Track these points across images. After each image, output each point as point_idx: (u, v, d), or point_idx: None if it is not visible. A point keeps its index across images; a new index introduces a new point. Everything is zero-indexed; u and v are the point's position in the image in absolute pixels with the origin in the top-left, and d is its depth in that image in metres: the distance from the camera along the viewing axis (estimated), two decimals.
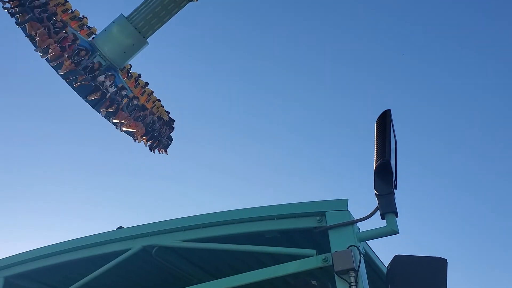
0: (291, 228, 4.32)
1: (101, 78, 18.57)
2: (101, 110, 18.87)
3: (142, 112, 19.60)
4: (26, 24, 17.72)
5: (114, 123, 19.63)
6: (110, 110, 18.92)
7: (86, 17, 20.30)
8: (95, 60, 19.17)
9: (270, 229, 4.41)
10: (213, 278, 5.11)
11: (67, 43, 17.92)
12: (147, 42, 21.17)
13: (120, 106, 18.91)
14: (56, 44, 17.59)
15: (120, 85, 19.32)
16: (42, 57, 17.88)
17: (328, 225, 4.06)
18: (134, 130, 19.70)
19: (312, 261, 3.99)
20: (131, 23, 20.69)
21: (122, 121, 19.18)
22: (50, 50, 17.66)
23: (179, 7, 21.12)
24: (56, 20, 18.08)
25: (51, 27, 17.66)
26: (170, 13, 21.16)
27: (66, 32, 18.11)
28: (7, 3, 17.71)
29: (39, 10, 17.78)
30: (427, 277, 3.60)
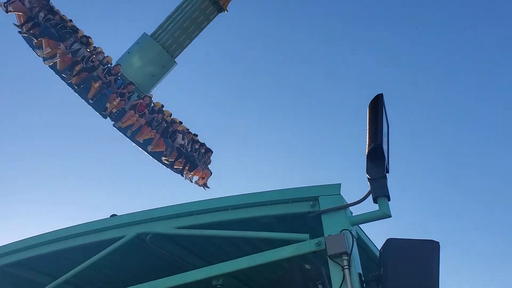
0: (285, 213, 4.36)
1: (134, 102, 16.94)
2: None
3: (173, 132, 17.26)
4: (43, 43, 15.79)
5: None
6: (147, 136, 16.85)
7: (90, 37, 17.25)
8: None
9: (264, 214, 4.45)
10: (208, 264, 5.14)
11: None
12: (175, 63, 19.31)
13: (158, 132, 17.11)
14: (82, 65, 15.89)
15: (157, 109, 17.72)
16: (67, 80, 16.02)
17: (321, 209, 4.09)
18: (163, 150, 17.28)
19: (306, 245, 4.03)
20: (157, 42, 18.78)
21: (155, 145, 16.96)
22: (76, 75, 15.91)
23: (208, 20, 19.56)
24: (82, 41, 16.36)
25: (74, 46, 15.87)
26: (199, 28, 19.52)
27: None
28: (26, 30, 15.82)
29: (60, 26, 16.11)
30: (420, 260, 3.64)
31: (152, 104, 17.70)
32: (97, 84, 16.20)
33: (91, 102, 16.49)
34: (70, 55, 15.91)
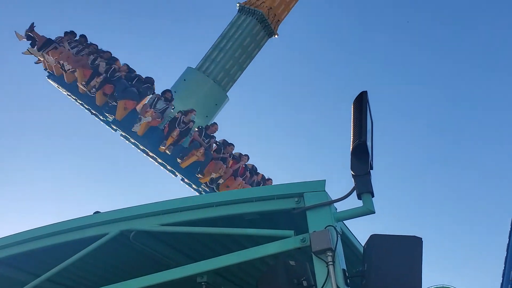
0: (270, 209, 4.36)
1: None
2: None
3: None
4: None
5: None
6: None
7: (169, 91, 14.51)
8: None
9: (249, 211, 4.45)
10: (192, 261, 5.12)
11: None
12: (227, 98, 17.27)
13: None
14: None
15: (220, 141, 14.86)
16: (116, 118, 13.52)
17: (306, 206, 4.10)
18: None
19: (291, 241, 4.04)
20: (207, 76, 16.85)
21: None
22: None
23: (259, 46, 17.96)
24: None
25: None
26: (250, 56, 17.87)
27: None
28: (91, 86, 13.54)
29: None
30: (403, 255, 3.68)
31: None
32: (200, 152, 13.41)
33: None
34: (161, 119, 13.32)
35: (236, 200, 4.52)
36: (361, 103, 4.03)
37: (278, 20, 18.88)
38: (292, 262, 3.99)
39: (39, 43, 15.02)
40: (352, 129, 4.00)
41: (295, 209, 4.19)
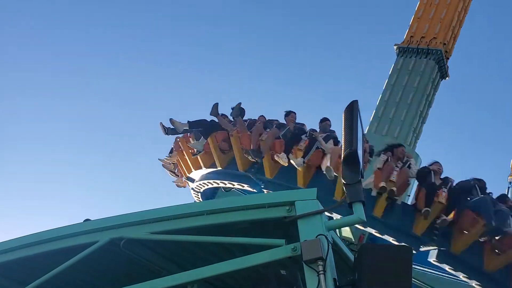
0: (261, 218, 4.36)
1: None
2: None
3: None
4: None
5: None
6: None
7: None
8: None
9: (240, 219, 4.44)
10: (183, 270, 5.10)
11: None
12: (418, 156, 14.25)
13: None
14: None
15: None
16: None
17: (297, 214, 4.11)
18: None
19: (282, 250, 4.03)
20: (387, 136, 13.99)
21: None
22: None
23: (435, 90, 15.48)
24: None
25: None
26: (430, 105, 15.55)
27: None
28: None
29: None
30: (393, 264, 3.69)
31: None
32: None
33: None
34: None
35: (227, 209, 4.52)
36: (351, 112, 4.06)
37: (448, 57, 16.16)
38: (283, 271, 3.99)
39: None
40: (343, 137, 4.03)
41: (286, 218, 4.19)
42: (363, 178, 3.98)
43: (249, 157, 10.93)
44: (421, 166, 10.93)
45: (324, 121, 11.41)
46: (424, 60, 15.43)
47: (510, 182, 12.77)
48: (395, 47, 16.29)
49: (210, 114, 12.06)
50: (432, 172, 9.54)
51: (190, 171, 12.92)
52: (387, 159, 9.69)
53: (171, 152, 13.67)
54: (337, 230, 8.51)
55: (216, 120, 12.03)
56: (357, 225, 9.15)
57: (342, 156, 3.95)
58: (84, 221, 5.25)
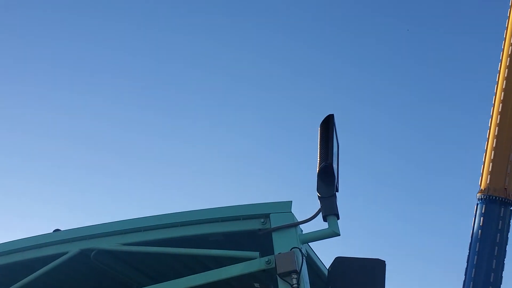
0: (235, 230, 4.34)
1: None
2: None
3: None
4: None
5: None
6: None
7: None
8: None
9: (214, 231, 4.41)
10: (154, 282, 5.02)
11: None
12: None
13: None
14: None
15: None
16: None
17: (272, 227, 4.10)
18: None
19: (256, 263, 4.01)
20: None
21: None
22: None
23: None
24: None
25: None
26: None
27: None
28: None
29: None
30: (367, 278, 3.72)
31: None
32: None
33: None
34: None
35: (201, 220, 4.48)
36: (327, 126, 4.10)
37: None
38: (256, 285, 3.98)
39: None
40: (318, 151, 4.06)
41: (260, 230, 4.18)
42: (337, 191, 4.01)
43: None
44: None
45: None
46: None
47: (479, 199, 13.00)
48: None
49: None
50: None
51: None
52: None
53: None
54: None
55: None
56: None
57: (318, 169, 3.97)
58: (54, 231, 5.12)
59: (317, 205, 3.98)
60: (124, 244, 4.66)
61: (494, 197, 12.48)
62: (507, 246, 12.49)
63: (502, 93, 12.98)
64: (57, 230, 5.10)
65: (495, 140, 12.76)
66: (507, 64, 13.08)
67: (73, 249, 4.75)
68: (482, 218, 12.54)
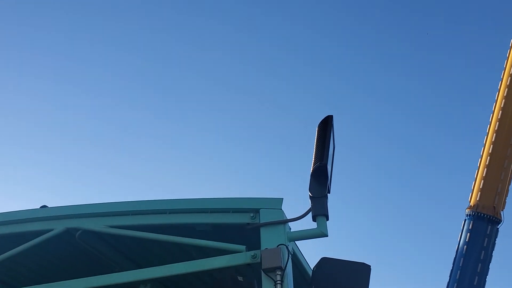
0: (224, 222, 4.32)
1: None
2: None
3: None
4: None
5: None
6: None
7: None
8: None
9: (202, 222, 4.39)
10: (137, 267, 5.00)
11: None
12: None
13: None
14: None
15: None
16: None
17: (260, 222, 4.09)
18: None
19: (241, 257, 4.00)
20: None
21: None
22: None
23: None
24: None
25: None
26: None
27: None
28: None
29: None
30: (351, 281, 3.71)
31: None
32: None
33: None
34: None
35: (191, 210, 4.46)
36: (326, 127, 4.09)
37: None
38: (240, 278, 3.96)
39: None
40: (314, 151, 4.04)
41: (249, 224, 4.17)
42: (329, 193, 3.99)
43: None
44: None
45: None
46: None
47: (467, 215, 13.04)
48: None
49: None
50: None
51: None
52: None
53: None
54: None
55: None
56: None
57: (312, 169, 3.96)
58: (41, 207, 5.08)
59: (308, 204, 3.97)
60: (111, 227, 4.63)
61: (482, 214, 12.51)
62: (490, 264, 12.55)
63: (500, 111, 13.03)
64: (44, 206, 5.06)
65: (488, 158, 12.80)
66: (507, 84, 13.13)
67: (58, 226, 4.72)
68: (468, 234, 12.57)
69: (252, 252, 3.95)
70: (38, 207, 5.05)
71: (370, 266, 3.81)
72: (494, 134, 13.01)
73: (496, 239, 12.78)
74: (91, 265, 5.20)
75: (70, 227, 4.72)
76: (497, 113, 13.15)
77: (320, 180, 3.95)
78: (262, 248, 3.92)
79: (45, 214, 4.87)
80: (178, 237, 4.45)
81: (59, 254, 5.20)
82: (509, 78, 13.16)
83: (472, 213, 12.71)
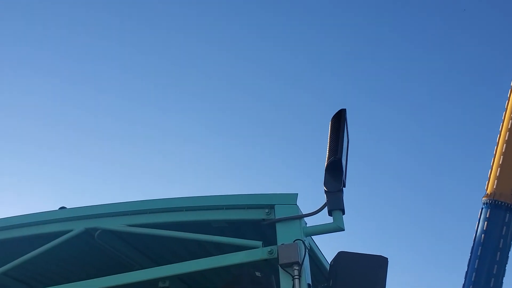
0: (239, 219, 4.34)
1: None
2: None
3: None
4: None
5: None
6: None
7: None
8: None
9: (218, 218, 4.42)
10: (155, 265, 5.06)
11: None
12: None
13: None
14: None
15: None
16: None
17: (276, 218, 4.10)
18: None
19: (258, 252, 4.02)
20: None
21: None
22: None
23: None
24: None
25: None
26: None
27: None
28: None
29: None
30: (368, 274, 3.71)
31: None
32: None
33: None
34: None
35: (206, 207, 4.49)
36: (339, 120, 4.08)
37: None
38: (258, 273, 3.98)
39: None
40: (328, 145, 4.04)
41: (264, 220, 4.19)
42: (345, 187, 3.99)
43: None
44: None
45: None
46: None
47: (484, 203, 12.93)
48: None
49: None
50: None
51: None
52: None
53: None
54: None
55: None
56: None
57: (326, 163, 3.96)
58: (59, 208, 5.15)
59: (323, 199, 3.98)
60: (129, 225, 4.68)
61: (499, 202, 12.40)
62: (509, 252, 12.45)
63: None
64: (62, 207, 5.13)
65: (504, 145, 12.66)
66: None
67: (78, 227, 4.78)
68: (486, 222, 12.48)
69: (268, 248, 3.97)
70: (57, 209, 5.13)
71: (387, 258, 3.82)
72: (510, 121, 12.86)
73: None
74: (111, 264, 5.27)
75: (89, 227, 4.78)
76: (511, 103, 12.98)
77: (335, 174, 3.95)
78: (279, 243, 3.94)
79: (64, 215, 4.94)
80: (195, 234, 4.49)
81: (78, 254, 5.27)
82: None
83: (489, 201, 12.60)
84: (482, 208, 12.95)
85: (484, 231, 12.54)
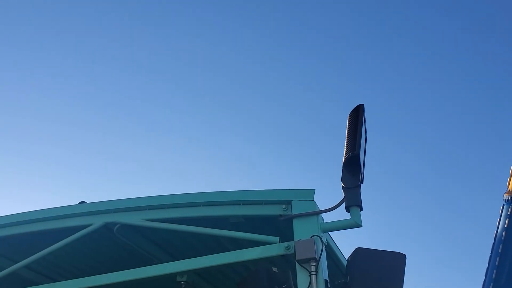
0: (256, 214, 4.35)
1: None
2: None
3: None
4: None
5: None
6: None
7: None
8: None
9: (235, 214, 4.43)
10: (173, 259, 5.10)
11: None
12: None
13: None
14: None
15: None
16: None
17: (293, 213, 4.10)
18: None
19: (275, 248, 4.03)
20: None
21: None
22: None
23: None
24: None
25: None
26: None
27: None
28: None
29: None
30: (386, 270, 3.69)
31: None
32: None
33: None
34: None
35: (224, 202, 4.50)
36: (357, 116, 4.05)
37: None
38: (274, 269, 3.98)
39: None
40: (346, 141, 4.02)
41: (281, 216, 4.19)
42: (362, 183, 3.97)
43: None
44: None
45: None
46: None
47: (505, 200, 12.74)
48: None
49: None
50: None
51: None
52: None
53: None
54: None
55: None
56: None
57: (344, 159, 3.94)
58: (79, 203, 5.21)
59: (340, 195, 3.96)
60: (148, 220, 4.72)
61: None
62: None
63: None
64: (82, 202, 5.19)
65: None
66: None
67: (97, 221, 4.84)
68: (507, 219, 12.30)
69: (285, 244, 3.97)
70: (77, 203, 5.19)
71: (405, 255, 3.78)
72: None
73: None
74: (129, 258, 5.33)
75: (108, 221, 4.83)
76: None
77: (352, 170, 3.92)
78: (296, 239, 3.94)
79: (84, 210, 5.00)
80: (213, 229, 4.51)
81: (98, 248, 5.34)
82: None
83: (510, 198, 12.42)
84: (503, 205, 12.76)
85: (505, 228, 12.35)
